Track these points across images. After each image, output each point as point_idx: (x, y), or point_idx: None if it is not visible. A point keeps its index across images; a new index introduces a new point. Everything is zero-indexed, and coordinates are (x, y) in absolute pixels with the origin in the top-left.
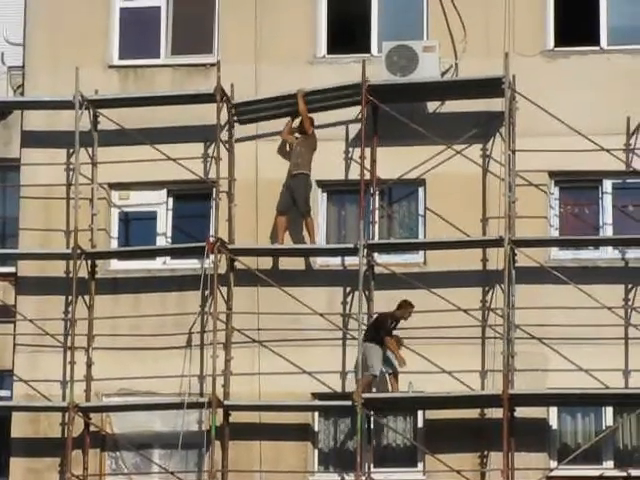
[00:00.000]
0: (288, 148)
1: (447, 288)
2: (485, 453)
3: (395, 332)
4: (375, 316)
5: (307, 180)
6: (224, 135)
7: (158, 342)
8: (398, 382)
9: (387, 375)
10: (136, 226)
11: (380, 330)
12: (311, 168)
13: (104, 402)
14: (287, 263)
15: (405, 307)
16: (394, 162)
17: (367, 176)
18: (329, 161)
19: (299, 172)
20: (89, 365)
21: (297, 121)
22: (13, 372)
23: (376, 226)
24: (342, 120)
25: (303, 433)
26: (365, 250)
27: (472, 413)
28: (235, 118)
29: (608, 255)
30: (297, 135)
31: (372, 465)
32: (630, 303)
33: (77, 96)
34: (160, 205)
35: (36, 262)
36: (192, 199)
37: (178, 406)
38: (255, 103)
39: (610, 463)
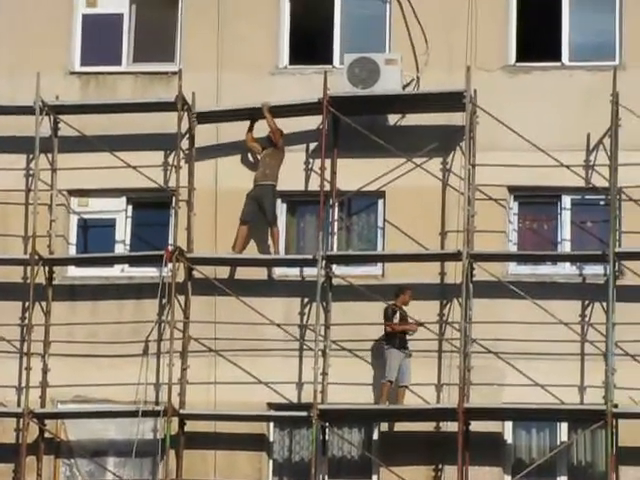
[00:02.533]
0: (251, 158)
1: None
2: (440, 466)
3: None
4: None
5: (274, 191)
6: (185, 144)
7: (114, 350)
8: (404, 396)
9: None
10: (95, 233)
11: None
12: (277, 179)
13: (59, 409)
14: (247, 273)
15: (404, 292)
16: (354, 174)
17: (327, 187)
18: (289, 172)
19: (267, 183)
20: (45, 371)
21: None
22: None
23: (335, 237)
24: (303, 131)
25: (258, 443)
26: (323, 261)
27: (427, 426)
28: (195, 122)
29: (566, 271)
30: (264, 147)
31: (327, 476)
32: (587, 319)
33: (38, 102)
34: (119, 212)
35: None
36: (151, 207)
37: (133, 414)
38: (216, 114)
39: (564, 478)
